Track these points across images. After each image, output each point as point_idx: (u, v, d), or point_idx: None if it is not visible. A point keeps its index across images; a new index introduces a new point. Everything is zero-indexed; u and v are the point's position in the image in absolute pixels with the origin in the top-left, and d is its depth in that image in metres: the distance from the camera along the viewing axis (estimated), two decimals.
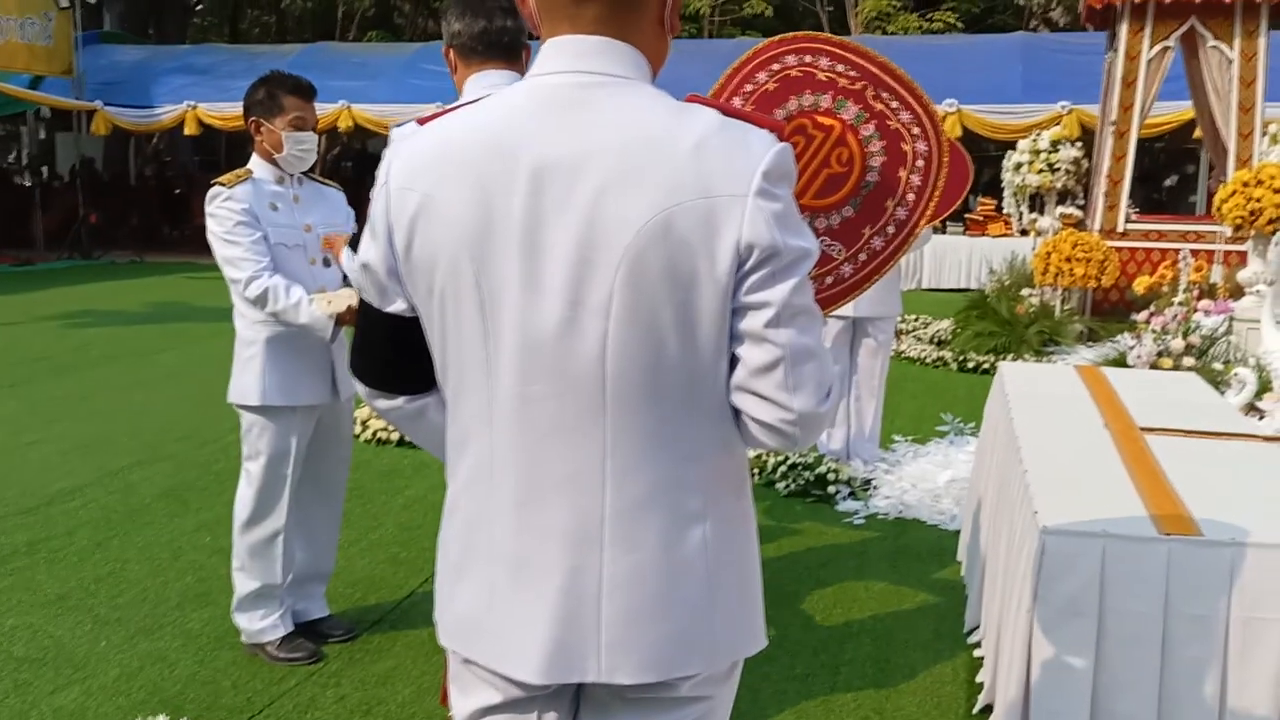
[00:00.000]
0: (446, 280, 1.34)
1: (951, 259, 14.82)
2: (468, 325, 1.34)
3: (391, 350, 1.46)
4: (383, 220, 1.38)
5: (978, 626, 3.46)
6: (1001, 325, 9.39)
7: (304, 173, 3.45)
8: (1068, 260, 9.83)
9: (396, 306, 1.42)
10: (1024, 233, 13.87)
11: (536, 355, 1.31)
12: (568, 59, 1.33)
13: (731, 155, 1.26)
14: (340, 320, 3.23)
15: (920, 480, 5.34)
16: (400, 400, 1.50)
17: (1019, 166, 14.35)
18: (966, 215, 15.60)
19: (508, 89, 1.37)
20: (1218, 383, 5.81)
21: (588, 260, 1.26)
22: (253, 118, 3.35)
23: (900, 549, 4.52)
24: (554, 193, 1.27)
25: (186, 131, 17.82)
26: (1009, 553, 2.75)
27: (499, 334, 1.32)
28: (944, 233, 15.05)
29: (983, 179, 19.56)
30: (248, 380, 3.36)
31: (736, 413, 1.35)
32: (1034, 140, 14.23)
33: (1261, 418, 4.97)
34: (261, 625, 3.47)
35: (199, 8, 27.18)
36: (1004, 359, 8.45)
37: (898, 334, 9.82)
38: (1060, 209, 12.53)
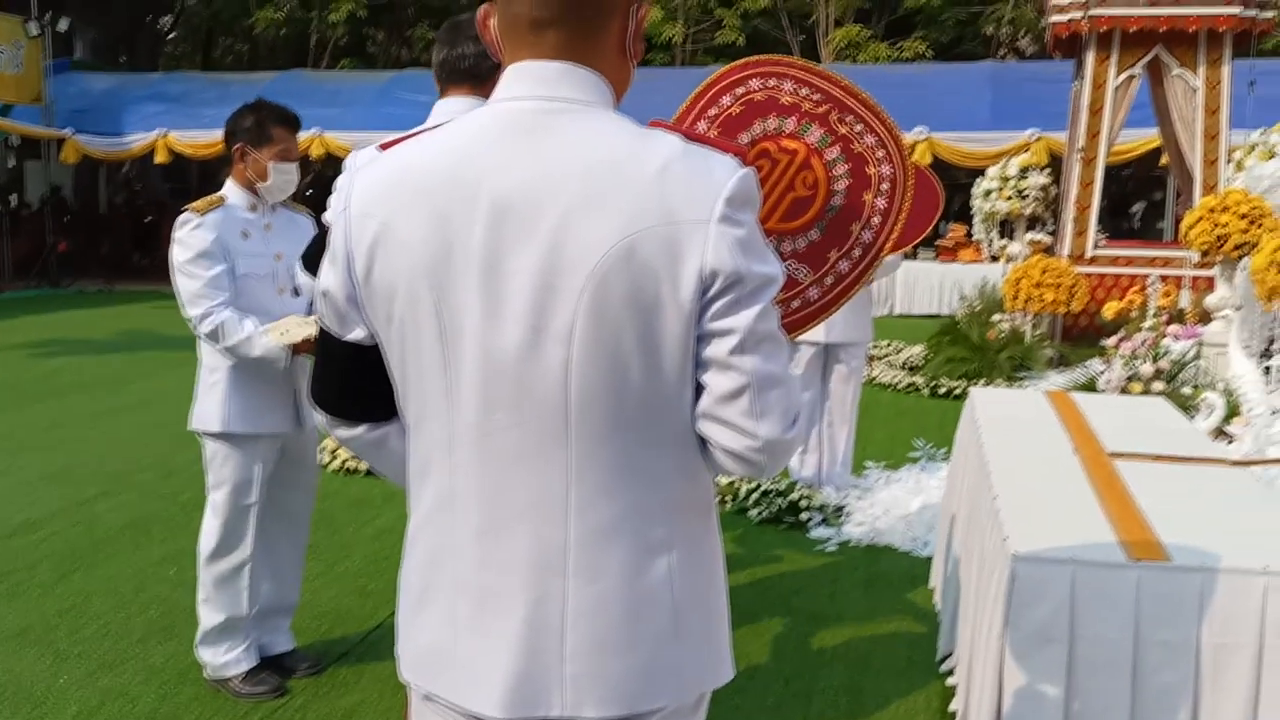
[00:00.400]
0: (406, 308, 1.32)
1: (923, 285, 14.92)
2: (428, 353, 1.32)
3: (352, 378, 1.44)
4: (342, 247, 1.36)
5: (951, 654, 3.44)
6: (973, 351, 9.44)
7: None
8: (1037, 286, 9.90)
9: (356, 334, 1.40)
10: (994, 259, 14.00)
11: (498, 383, 1.29)
12: (529, 85, 1.32)
13: (694, 181, 1.25)
14: (296, 350, 3.19)
15: (893, 506, 5.33)
16: (361, 429, 1.48)
17: (988, 193, 14.51)
18: (938, 242, 15.72)
19: (468, 114, 1.36)
20: (1187, 407, 5.85)
21: (550, 286, 1.25)
22: (238, 144, 3.32)
23: (873, 576, 4.51)
24: (515, 219, 1.26)
25: (157, 159, 17.75)
26: (980, 579, 2.74)
27: (459, 362, 1.30)
28: (915, 259, 15.16)
29: (953, 206, 19.73)
30: (210, 406, 3.32)
31: (703, 440, 1.34)
32: (1003, 167, 14.40)
33: (1230, 442, 5.00)
34: (226, 659, 3.41)
35: (171, 36, 27.12)
36: (975, 384, 8.49)
37: (869, 360, 9.86)
38: (1030, 235, 12.65)
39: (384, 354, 1.39)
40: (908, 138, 14.85)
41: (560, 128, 1.29)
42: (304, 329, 3.15)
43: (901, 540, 4.92)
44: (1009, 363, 9.24)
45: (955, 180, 18.38)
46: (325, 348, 1.45)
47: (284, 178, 3.33)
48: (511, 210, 1.26)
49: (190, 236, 3.23)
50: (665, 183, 1.24)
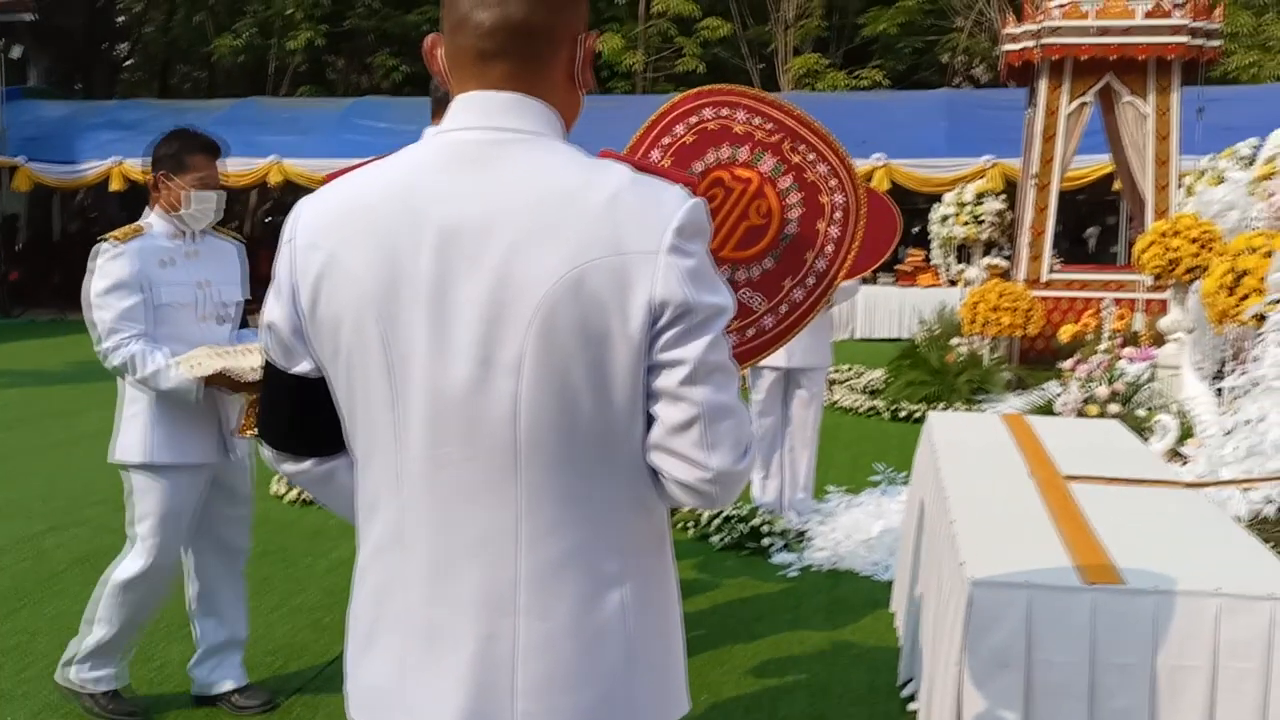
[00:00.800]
0: (352, 341, 1.30)
1: (883, 309, 15.04)
2: (375, 386, 1.30)
3: (298, 411, 1.42)
4: (287, 279, 1.34)
5: (912, 679, 3.44)
6: (932, 374, 9.51)
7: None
8: (994, 310, 10.02)
9: (302, 367, 1.38)
10: (952, 283, 14.15)
11: (446, 416, 1.27)
12: (476, 115, 1.31)
13: (643, 211, 1.25)
14: (208, 382, 3.14)
15: (854, 531, 5.34)
16: (308, 463, 1.45)
17: (945, 219, 14.69)
18: (897, 266, 15.87)
19: (416, 144, 1.35)
20: (1142, 429, 5.92)
21: (498, 319, 1.24)
22: (159, 172, 3.30)
23: (835, 601, 4.51)
24: (462, 250, 1.25)
25: (112, 187, 17.54)
26: (938, 605, 2.74)
27: (407, 395, 1.28)
28: (875, 283, 15.29)
29: (912, 231, 19.93)
30: (132, 438, 3.26)
31: (654, 471, 1.33)
32: (959, 193, 14.59)
33: (1184, 463, 5.06)
34: (98, 674, 3.37)
35: (128, 63, 26.91)
36: (935, 408, 8.55)
37: (830, 384, 9.91)
38: (986, 260, 12.80)
39: (331, 387, 1.37)
40: (866, 164, 15.02)
41: (508, 158, 1.28)
42: (216, 361, 3.10)
43: (863, 565, 4.92)
44: (968, 386, 9.33)
45: (913, 206, 18.58)
46: (271, 381, 1.42)
47: (204, 205, 3.30)
48: (459, 241, 1.25)
49: (109, 265, 3.19)
50: (614, 213, 1.24)
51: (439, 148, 1.32)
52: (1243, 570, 2.43)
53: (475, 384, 1.25)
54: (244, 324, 3.49)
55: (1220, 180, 8.86)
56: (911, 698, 3.41)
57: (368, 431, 1.33)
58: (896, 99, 18.42)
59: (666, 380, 1.26)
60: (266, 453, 1.48)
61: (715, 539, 5.21)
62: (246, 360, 3.10)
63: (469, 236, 1.25)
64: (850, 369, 10.93)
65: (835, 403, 9.11)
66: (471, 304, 1.24)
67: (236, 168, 16.80)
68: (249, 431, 3.20)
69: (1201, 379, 6.27)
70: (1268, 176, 8.42)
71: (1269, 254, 5.46)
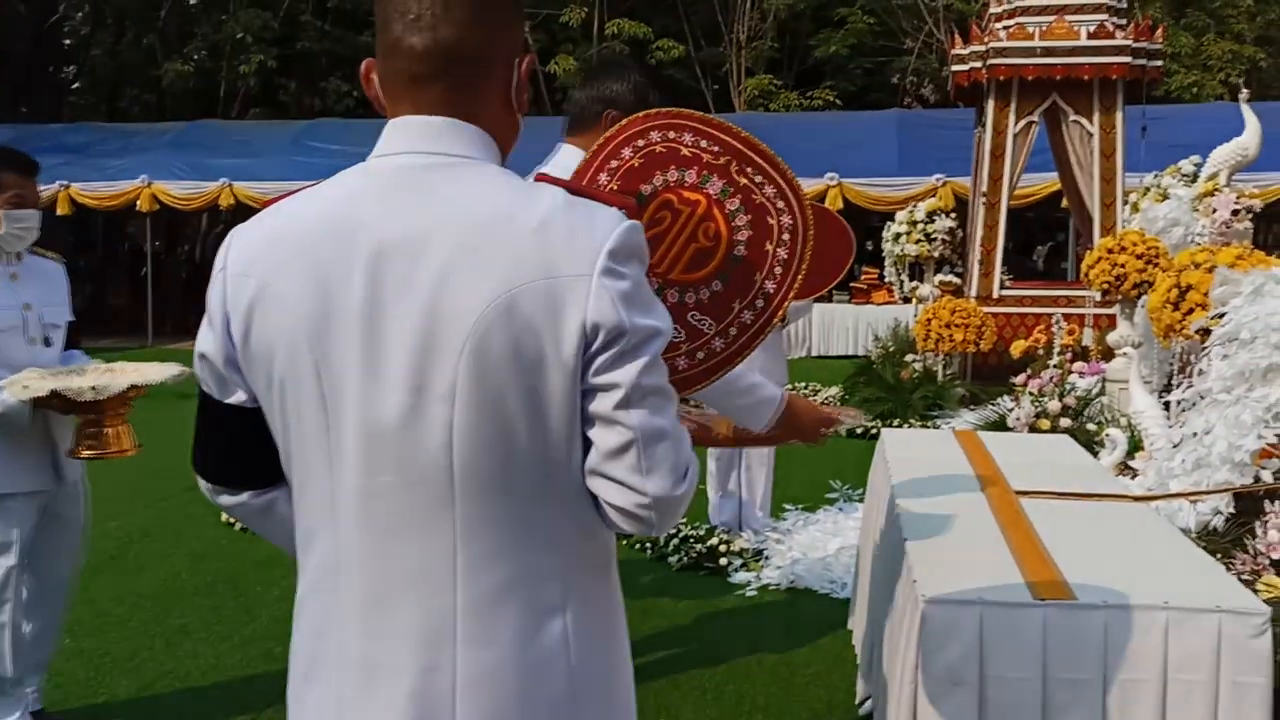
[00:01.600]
0: (286, 370, 1.28)
1: (839, 327, 15.14)
2: (309, 416, 1.28)
3: (233, 443, 1.39)
4: (219, 308, 1.32)
5: (870, 697, 3.44)
6: (887, 391, 9.58)
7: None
8: (947, 326, 10.12)
9: (237, 398, 1.35)
10: (906, 300, 14.27)
11: (380, 446, 1.25)
12: (409, 140, 1.30)
13: (575, 234, 1.24)
14: (38, 404, 3.05)
15: (811, 549, 5.35)
16: (245, 496, 1.42)
17: (898, 237, 14.84)
18: (852, 284, 16.00)
19: (348, 170, 1.33)
20: (1092, 443, 5.99)
21: (430, 346, 1.22)
22: None
23: (793, 620, 4.50)
24: (394, 277, 1.23)
25: (59, 211, 17.25)
26: (893, 622, 2.75)
27: (341, 424, 1.26)
28: (831, 301, 15.40)
29: (866, 249, 20.08)
30: None
31: (594, 497, 1.31)
32: (911, 212, 14.75)
33: (1134, 476, 5.12)
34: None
35: (75, 86, 26.56)
36: (891, 424, 8.61)
37: None
38: (939, 277, 12.93)
39: (266, 417, 1.34)
40: (819, 184, 15.15)
41: (441, 183, 1.27)
42: (47, 382, 3.02)
43: (820, 583, 4.93)
44: (923, 402, 9.40)
45: (867, 224, 18.74)
46: (205, 413, 1.39)
47: (19, 225, 3.25)
48: (390, 268, 1.23)
49: None
50: (546, 237, 1.23)
51: (371, 173, 1.31)
52: (1191, 583, 2.46)
53: (408, 412, 1.23)
54: (71, 345, 3.40)
55: (1164, 197, 9.03)
56: (870, 716, 3.41)
57: (302, 462, 1.31)
58: (848, 119, 18.61)
59: (601, 404, 1.25)
60: (203, 486, 1.45)
61: (673, 559, 5.20)
62: (78, 381, 3.02)
63: (401, 263, 1.23)
64: (807, 386, 10.98)
65: None
66: (404, 331, 1.23)
67: (186, 191, 16.65)
68: (84, 453, 3.11)
69: (1150, 393, 6.35)
70: (1210, 193, 8.59)
71: (1212, 269, 5.55)
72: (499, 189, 1.28)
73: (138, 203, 16.63)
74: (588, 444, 1.28)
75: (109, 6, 23.17)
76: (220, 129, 18.86)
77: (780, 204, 1.81)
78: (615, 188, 1.77)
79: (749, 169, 1.79)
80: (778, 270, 1.82)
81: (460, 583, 1.27)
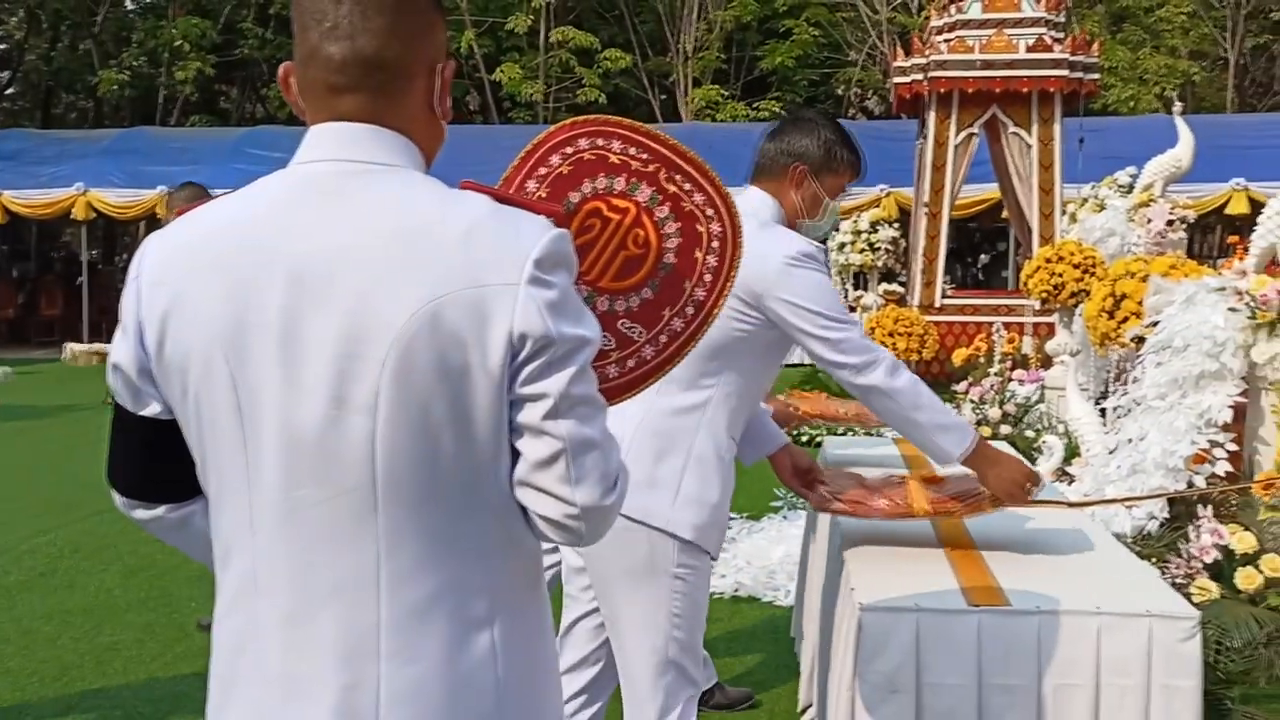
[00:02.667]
0: (201, 381, 1.24)
1: None
2: (225, 428, 1.25)
3: (148, 456, 1.35)
4: (133, 317, 1.28)
5: (812, 704, 3.44)
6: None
7: None
8: (890, 335, 10.22)
9: (151, 409, 1.31)
10: (851, 309, 14.40)
11: (300, 458, 1.22)
12: (329, 147, 1.27)
13: (502, 243, 1.22)
14: None
15: (754, 557, 5.35)
16: (161, 510, 1.38)
17: (842, 246, 14.97)
18: None
19: (267, 177, 1.30)
20: (1031, 449, 6.07)
21: (351, 356, 1.19)
22: None
23: (736, 629, 4.50)
24: (313, 286, 1.20)
25: None
26: (831, 630, 2.75)
27: (259, 437, 1.23)
28: None
29: None
30: None
31: (523, 508, 1.29)
32: (855, 222, 14.89)
33: (1071, 482, 5.19)
34: None
35: (9, 91, 26.01)
36: (835, 432, 8.66)
37: None
38: (883, 286, 13.07)
39: (182, 429, 1.30)
40: (729, 192, 15.24)
41: (362, 190, 1.24)
42: None
43: (764, 591, 4.94)
44: None
45: None
46: (119, 425, 1.35)
47: None
48: (310, 277, 1.21)
49: None
50: (471, 245, 1.21)
51: (291, 180, 1.28)
52: (1123, 589, 2.49)
53: (329, 424, 1.20)
54: None
55: (1101, 207, 9.21)
56: None
57: (219, 475, 1.28)
58: None
59: (529, 415, 1.23)
60: (117, 500, 1.40)
61: None
62: None
63: (320, 272, 1.20)
64: None
65: None
66: (323, 341, 1.20)
67: (123, 199, 16.33)
68: None
69: (1086, 400, 6.45)
70: (1145, 204, 8.77)
71: (1146, 278, 5.66)
72: (422, 196, 1.25)
73: (73, 211, 16.30)
74: (515, 455, 1.26)
75: (44, 11, 22.72)
76: (158, 136, 18.53)
77: (709, 211, 1.81)
78: (544, 195, 1.75)
79: (678, 176, 1.78)
80: (707, 277, 1.81)
81: (384, 597, 1.24)
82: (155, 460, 1.35)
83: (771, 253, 2.36)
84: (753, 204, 2.51)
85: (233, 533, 1.29)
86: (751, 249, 2.37)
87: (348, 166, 1.26)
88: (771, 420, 2.94)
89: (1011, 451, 4.05)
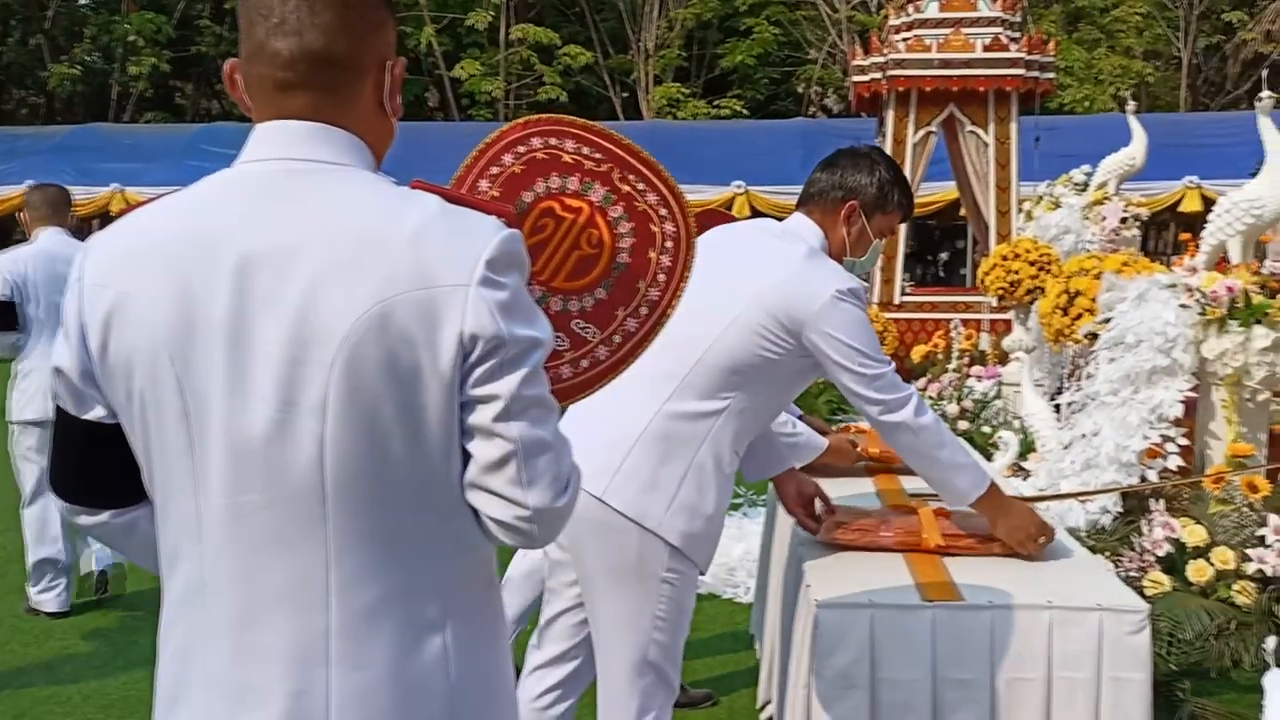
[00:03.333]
0: (146, 384, 1.22)
1: None
2: (171, 432, 1.23)
3: (92, 461, 1.33)
4: (75, 320, 1.26)
5: (771, 701, 3.46)
6: None
7: None
8: None
9: (95, 413, 1.29)
10: None
11: (247, 462, 1.20)
12: (276, 145, 1.26)
13: (452, 243, 1.21)
14: None
15: (715, 554, 5.35)
16: (105, 515, 1.36)
17: None
18: None
19: (212, 176, 1.29)
20: (988, 445, 6.13)
21: (299, 359, 1.18)
22: None
23: (696, 625, 4.44)
24: (260, 287, 1.19)
25: None
26: (788, 627, 2.76)
27: (205, 440, 1.21)
28: None
29: None
30: None
31: (475, 510, 1.28)
32: None
33: (1026, 477, 5.25)
34: None
35: None
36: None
37: None
38: None
39: (126, 433, 1.29)
40: (726, 191, 15.29)
41: (309, 190, 1.23)
42: None
43: (723, 588, 4.95)
44: (827, 406, 9.53)
45: None
46: (62, 429, 1.33)
47: None
48: (256, 278, 1.19)
49: None
50: (421, 246, 1.20)
51: (236, 179, 1.26)
52: (1074, 582, 2.51)
53: (276, 427, 1.19)
54: None
55: (1057, 205, 9.31)
56: (771, 719, 3.43)
57: (165, 479, 1.26)
58: (755, 128, 18.83)
59: (480, 416, 1.22)
60: (60, 505, 1.38)
61: None
62: None
63: (267, 272, 1.19)
64: None
65: None
66: (271, 344, 1.18)
67: (76, 197, 15.98)
68: None
69: (1042, 396, 6.53)
70: (1100, 202, 8.89)
71: (1100, 275, 5.73)
72: (371, 196, 1.24)
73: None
74: (466, 457, 1.25)
75: None
76: (110, 133, 18.26)
77: (663, 211, 1.81)
78: (496, 194, 1.74)
79: (631, 176, 1.78)
80: (661, 277, 1.81)
81: (333, 601, 1.23)
82: (99, 465, 1.33)
83: (820, 285, 2.36)
84: (801, 230, 2.53)
85: (179, 538, 1.27)
86: (797, 276, 2.37)
87: (296, 165, 1.24)
88: (783, 443, 2.93)
89: (969, 447, 4.09)
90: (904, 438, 2.47)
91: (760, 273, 2.41)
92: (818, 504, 2.81)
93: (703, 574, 2.48)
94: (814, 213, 2.58)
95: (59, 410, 1.33)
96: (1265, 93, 5.26)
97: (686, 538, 2.37)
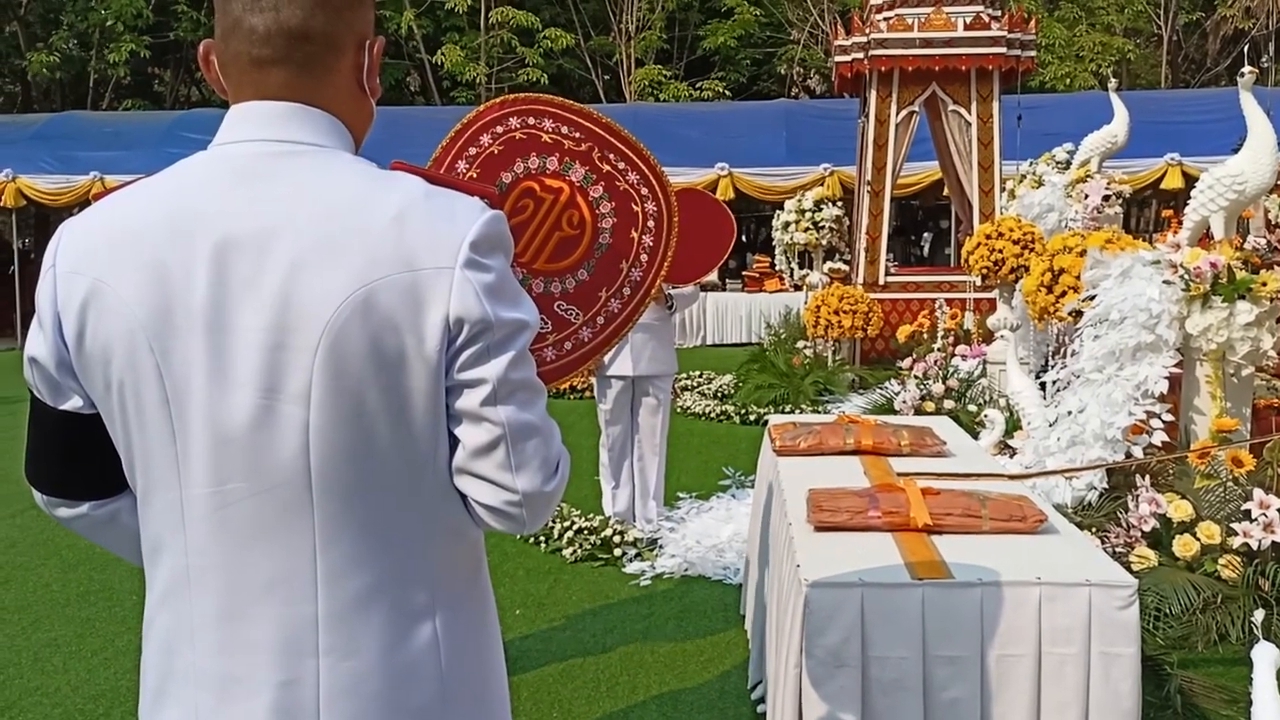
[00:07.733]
0: (125, 372, 1.20)
1: (732, 315, 15.28)
2: (152, 421, 1.21)
3: (70, 452, 1.30)
4: (49, 309, 1.24)
5: (762, 681, 3.46)
6: (780, 377, 9.70)
7: None
8: (836, 313, 10.29)
9: (72, 403, 1.27)
10: (797, 288, 14.47)
11: (230, 451, 1.18)
12: (253, 126, 1.23)
13: (436, 226, 1.19)
14: None
15: (704, 536, 5.37)
16: (85, 507, 1.34)
17: (787, 225, 15.04)
18: (745, 272, 16.16)
19: (187, 159, 1.26)
20: (974, 423, 6.15)
21: (282, 344, 1.16)
22: None
23: (686, 608, 4.51)
24: (240, 272, 1.17)
25: None
26: (779, 607, 2.76)
27: (187, 429, 1.19)
28: (724, 290, 15.54)
29: (758, 238, 20.26)
30: None
31: (463, 495, 1.27)
32: (799, 201, 14.95)
33: (1012, 455, 5.26)
34: None
35: None
36: (783, 410, 8.71)
37: (680, 390, 9.98)
38: (828, 264, 13.14)
39: (106, 423, 1.26)
40: (709, 173, 15.24)
41: (288, 172, 1.20)
42: None
43: (713, 570, 4.95)
44: (813, 387, 9.54)
45: (757, 213, 18.92)
46: (38, 420, 1.31)
47: None
48: (235, 263, 1.17)
49: None
50: (404, 228, 1.18)
51: (214, 162, 1.23)
52: (1062, 559, 2.52)
53: (260, 415, 1.17)
54: None
55: (1040, 183, 9.32)
56: (762, 700, 3.44)
57: (146, 469, 1.24)
58: (737, 110, 18.77)
59: (467, 401, 1.20)
60: (39, 498, 1.36)
61: (567, 552, 5.17)
62: None
63: (247, 257, 1.17)
64: (701, 375, 11.04)
65: (686, 409, 9.18)
66: (252, 330, 1.16)
67: (55, 185, 15.93)
68: None
69: (1027, 374, 6.55)
70: (1082, 179, 8.90)
71: (1083, 253, 5.74)
72: (352, 178, 1.22)
73: (2, 198, 15.86)
74: (454, 442, 1.24)
75: None
76: (89, 120, 18.05)
77: (644, 190, 1.79)
78: (475, 175, 1.72)
79: (611, 155, 1.77)
80: (643, 258, 1.80)
81: (321, 591, 1.21)
82: (77, 456, 1.30)
83: None
84: None
85: (162, 528, 1.25)
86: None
87: (274, 147, 1.22)
88: None
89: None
90: None
91: None
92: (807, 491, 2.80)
93: None
94: None
95: (35, 401, 1.30)
96: (1247, 68, 5.26)
97: None
